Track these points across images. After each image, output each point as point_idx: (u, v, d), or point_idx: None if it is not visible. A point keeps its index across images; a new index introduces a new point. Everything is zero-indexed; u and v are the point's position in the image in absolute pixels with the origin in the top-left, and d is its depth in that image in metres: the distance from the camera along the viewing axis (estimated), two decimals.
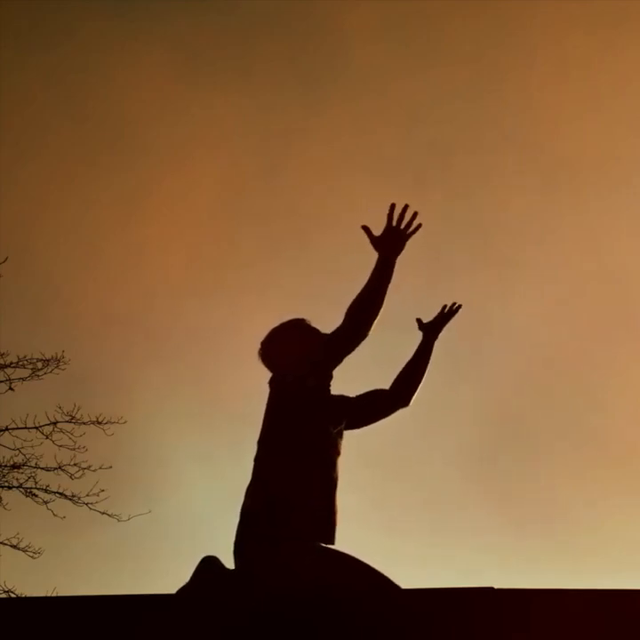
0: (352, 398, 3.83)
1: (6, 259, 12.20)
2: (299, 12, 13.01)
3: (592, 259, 13.21)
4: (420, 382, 3.89)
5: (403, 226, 3.64)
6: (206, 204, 13.43)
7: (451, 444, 13.54)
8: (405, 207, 3.64)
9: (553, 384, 13.56)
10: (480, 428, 13.46)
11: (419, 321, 3.98)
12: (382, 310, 3.60)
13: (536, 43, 12.51)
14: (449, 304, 4.00)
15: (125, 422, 12.68)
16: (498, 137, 13.16)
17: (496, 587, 3.30)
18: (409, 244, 3.65)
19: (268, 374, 3.83)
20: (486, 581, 3.32)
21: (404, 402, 3.88)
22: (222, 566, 3.49)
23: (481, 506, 13.25)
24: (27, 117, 13.55)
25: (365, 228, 3.67)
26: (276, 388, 3.71)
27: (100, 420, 12.51)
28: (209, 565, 3.48)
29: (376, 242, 3.64)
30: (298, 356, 3.72)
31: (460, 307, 3.99)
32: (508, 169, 13.00)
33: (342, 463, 3.66)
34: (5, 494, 12.30)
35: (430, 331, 3.96)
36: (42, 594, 9.14)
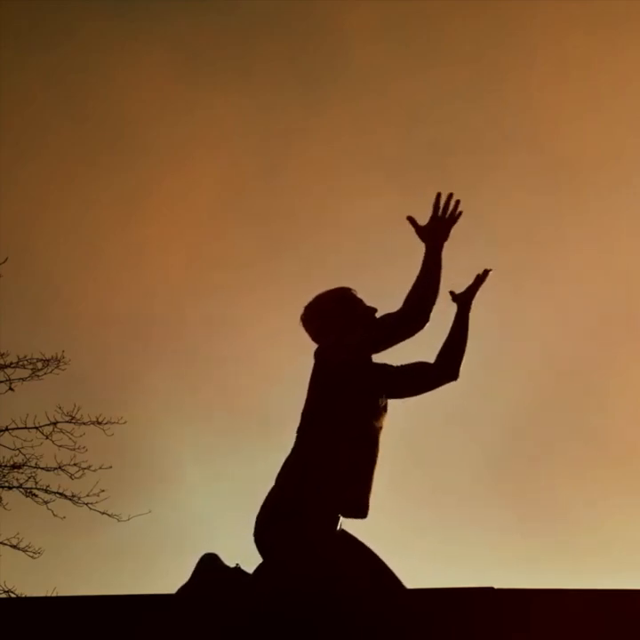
0: (396, 368, 3.79)
1: (6, 259, 12.21)
2: (299, 12, 13.02)
3: (593, 259, 13.22)
4: (463, 353, 3.83)
5: (447, 214, 3.70)
6: (206, 204, 13.45)
7: (453, 444, 13.55)
8: (450, 196, 3.71)
9: (555, 384, 13.57)
10: (482, 429, 13.47)
11: (452, 293, 3.93)
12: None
13: (536, 43, 12.52)
14: (481, 272, 3.96)
15: (125, 422, 12.69)
16: (498, 137, 13.18)
17: (496, 587, 3.31)
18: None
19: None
20: (486, 581, 3.33)
21: (452, 375, 3.81)
22: (222, 564, 3.48)
23: (481, 506, 13.26)
24: (27, 117, 13.56)
25: (410, 219, 3.71)
26: (321, 359, 3.69)
27: (99, 420, 12.52)
28: (209, 563, 3.48)
29: (422, 232, 3.69)
30: (344, 329, 3.72)
31: (488, 271, 3.95)
32: (507, 169, 13.01)
33: (384, 438, 3.63)
34: (5, 494, 12.31)
35: (463, 300, 3.92)
36: (42, 594, 9.15)
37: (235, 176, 13.56)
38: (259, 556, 3.47)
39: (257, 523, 3.47)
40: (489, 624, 3.24)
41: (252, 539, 3.47)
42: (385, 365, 3.78)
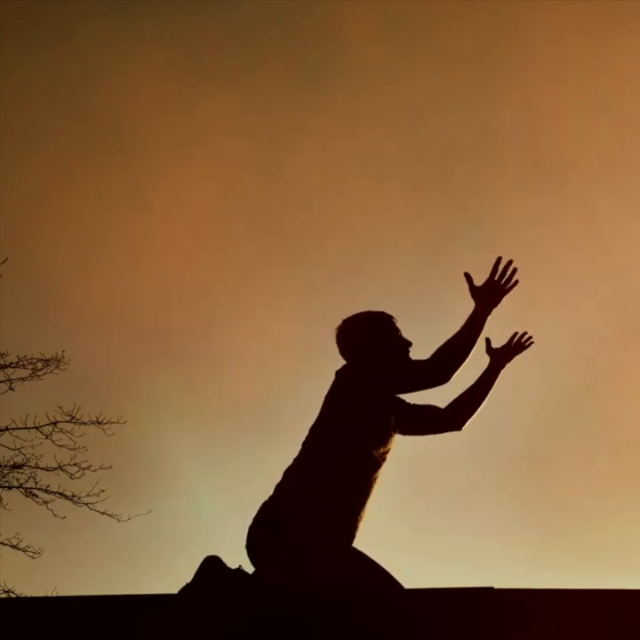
0: (409, 405, 3.77)
1: (6, 259, 12.22)
2: (299, 12, 13.02)
3: (594, 259, 13.23)
4: (477, 409, 3.82)
5: (503, 281, 3.68)
6: (206, 204, 13.45)
7: (453, 442, 13.53)
8: (509, 263, 3.68)
9: (557, 382, 13.57)
10: (484, 427, 13.45)
11: (487, 343, 3.89)
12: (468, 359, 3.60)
13: (536, 43, 12.53)
14: (520, 333, 3.92)
15: (125, 422, 12.70)
16: (498, 137, 13.18)
17: (496, 587, 3.31)
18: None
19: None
20: (486, 581, 3.33)
21: (457, 427, 3.82)
22: (224, 566, 3.49)
23: (481, 506, 13.27)
24: (27, 117, 13.57)
25: (467, 276, 3.69)
26: (344, 380, 3.68)
27: (100, 420, 12.54)
28: (211, 565, 3.49)
29: (475, 292, 3.67)
30: (377, 357, 3.69)
31: (531, 342, 3.92)
32: (507, 169, 13.02)
33: (384, 470, 3.64)
34: (5, 494, 12.32)
35: (498, 359, 3.88)
36: (42, 594, 9.16)
37: (234, 176, 13.58)
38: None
39: (250, 534, 3.49)
40: (489, 624, 3.24)
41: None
42: (401, 400, 3.75)
